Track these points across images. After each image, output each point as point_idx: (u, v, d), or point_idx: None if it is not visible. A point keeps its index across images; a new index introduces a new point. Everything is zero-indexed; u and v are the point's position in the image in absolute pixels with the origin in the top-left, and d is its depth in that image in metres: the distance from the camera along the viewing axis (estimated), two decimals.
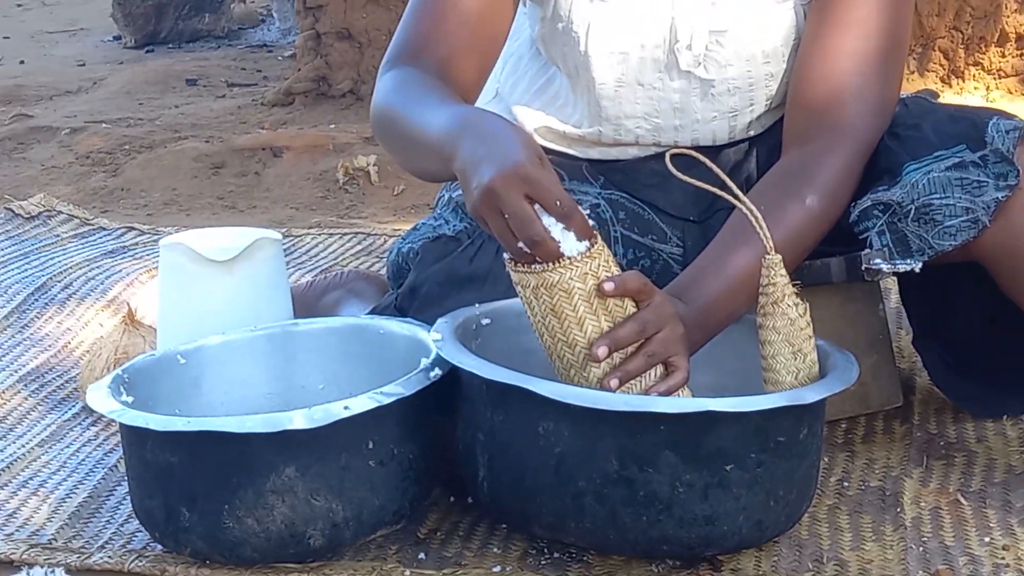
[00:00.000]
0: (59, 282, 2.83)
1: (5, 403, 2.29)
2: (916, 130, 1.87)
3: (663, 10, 1.91)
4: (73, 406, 2.27)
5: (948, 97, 3.91)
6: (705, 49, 1.91)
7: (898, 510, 1.86)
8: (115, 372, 1.85)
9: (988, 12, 3.96)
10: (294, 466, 1.67)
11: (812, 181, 1.83)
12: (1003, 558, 1.75)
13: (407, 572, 1.74)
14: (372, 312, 2.04)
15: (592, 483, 1.65)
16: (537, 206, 1.59)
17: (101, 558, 1.79)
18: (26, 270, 2.93)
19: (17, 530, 1.88)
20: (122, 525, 1.88)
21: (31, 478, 2.03)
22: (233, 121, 4.35)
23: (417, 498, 1.78)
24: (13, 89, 4.94)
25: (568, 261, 1.62)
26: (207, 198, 3.67)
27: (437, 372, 1.75)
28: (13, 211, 3.30)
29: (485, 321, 1.83)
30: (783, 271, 1.72)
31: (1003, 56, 3.99)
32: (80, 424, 2.20)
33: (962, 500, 1.89)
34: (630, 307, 1.67)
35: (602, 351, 1.63)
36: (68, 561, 1.79)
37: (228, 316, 2.04)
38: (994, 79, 4.00)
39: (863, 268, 1.84)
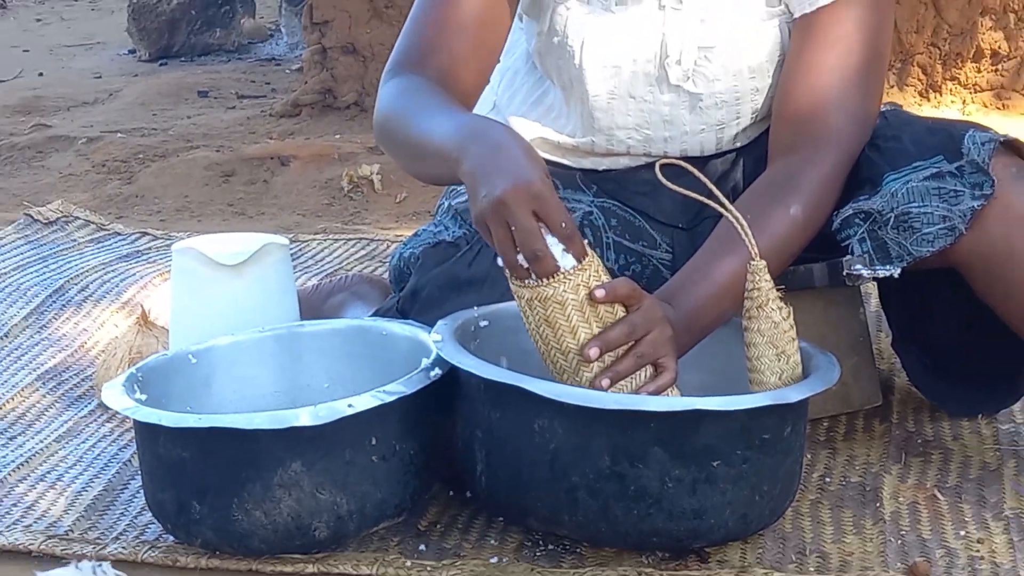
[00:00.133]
0: (76, 285, 2.82)
1: (24, 400, 2.30)
2: (896, 141, 1.88)
3: (654, 26, 1.92)
4: (89, 403, 2.28)
5: (926, 111, 3.85)
6: (694, 64, 1.92)
7: (877, 505, 1.88)
8: (129, 371, 1.86)
9: (964, 29, 3.93)
10: (300, 461, 1.68)
11: (796, 191, 1.84)
12: (978, 550, 1.77)
13: (408, 563, 1.75)
14: (375, 314, 2.05)
15: (585, 478, 1.66)
16: (541, 224, 1.61)
17: (115, 549, 1.81)
18: (44, 273, 2.91)
19: (35, 522, 1.89)
20: (136, 517, 1.89)
21: (48, 472, 2.04)
22: (243, 131, 4.31)
23: (418, 492, 1.79)
24: (32, 100, 4.88)
25: (562, 275, 1.63)
26: (218, 205, 3.65)
27: (437, 372, 1.76)
28: (32, 217, 3.25)
29: (483, 323, 1.83)
30: (768, 276, 1.73)
31: (979, 71, 3.96)
32: (96, 420, 2.21)
33: (939, 495, 1.90)
34: (620, 313, 1.68)
35: (593, 352, 1.65)
36: (84, 552, 1.79)
37: (237, 318, 2.04)
38: (970, 93, 3.97)
39: (844, 274, 1.85)
